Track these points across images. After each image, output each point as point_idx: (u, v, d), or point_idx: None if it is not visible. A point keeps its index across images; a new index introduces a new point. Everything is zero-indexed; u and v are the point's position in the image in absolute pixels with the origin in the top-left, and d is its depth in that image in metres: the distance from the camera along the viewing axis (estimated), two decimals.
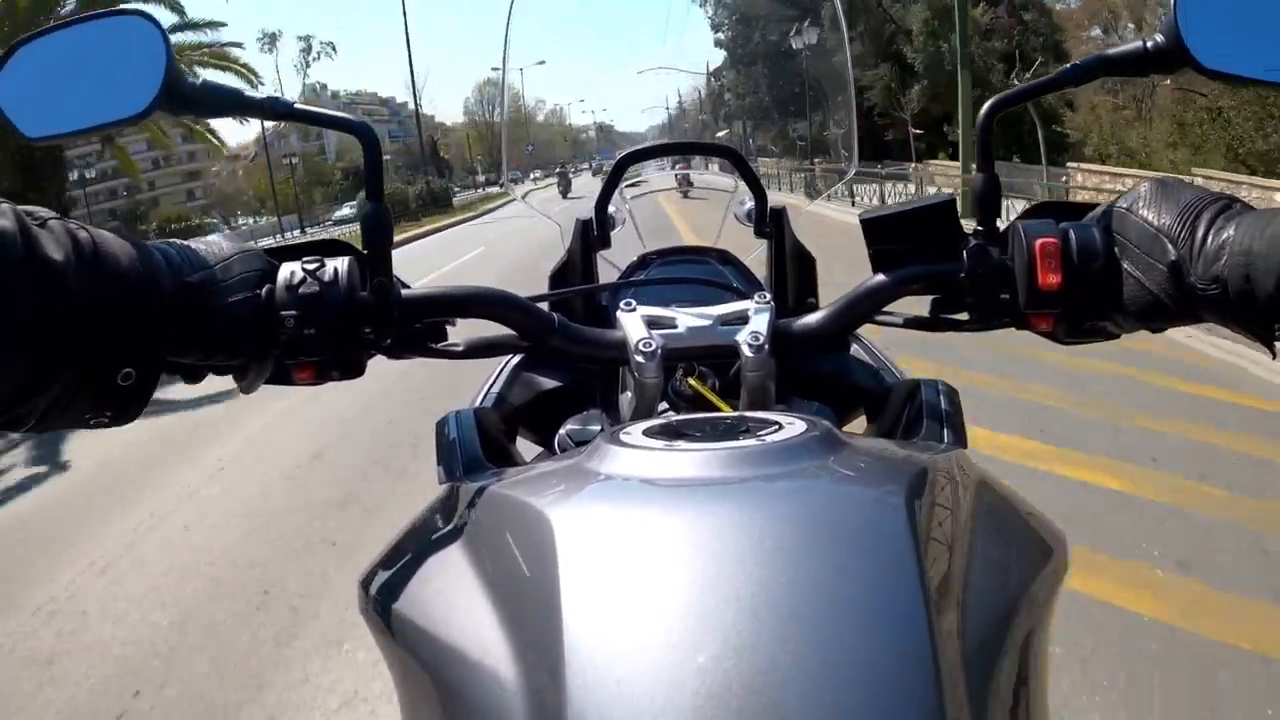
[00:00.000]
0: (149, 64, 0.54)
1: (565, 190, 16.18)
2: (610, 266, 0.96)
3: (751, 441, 0.42)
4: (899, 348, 0.86)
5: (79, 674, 2.32)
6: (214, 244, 0.53)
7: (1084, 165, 14.36)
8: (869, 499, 0.39)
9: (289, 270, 0.53)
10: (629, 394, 0.66)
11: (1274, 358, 0.50)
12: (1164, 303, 0.51)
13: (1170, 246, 0.50)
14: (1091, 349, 0.65)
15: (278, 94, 0.58)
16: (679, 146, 0.98)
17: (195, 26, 16.69)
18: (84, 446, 4.52)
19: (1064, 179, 13.62)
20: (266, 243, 0.66)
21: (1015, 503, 0.47)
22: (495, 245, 14.76)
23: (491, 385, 0.77)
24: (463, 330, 0.65)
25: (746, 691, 0.29)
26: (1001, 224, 0.61)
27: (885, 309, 0.64)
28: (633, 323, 0.63)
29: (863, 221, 0.63)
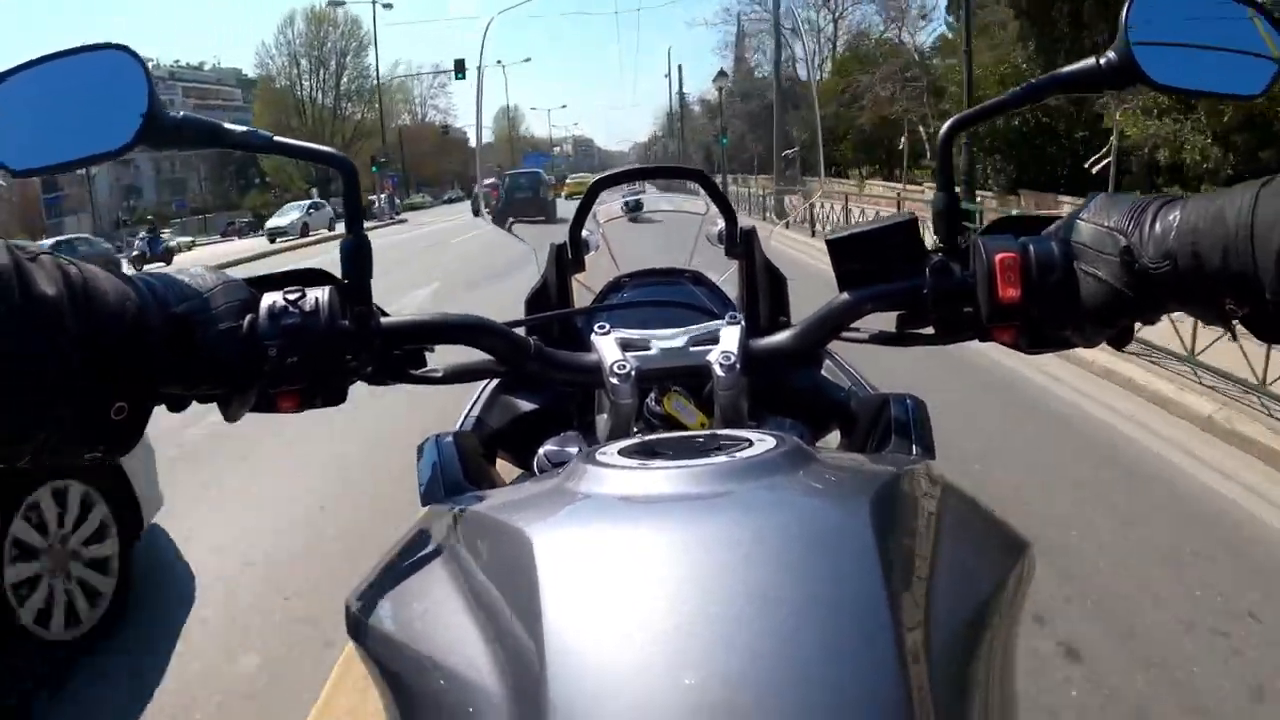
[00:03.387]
0: (130, 98, 0.55)
1: None
2: (585, 289, 0.97)
3: (723, 458, 0.43)
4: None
5: None
6: (197, 275, 0.54)
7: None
8: (838, 512, 0.41)
9: (271, 300, 0.54)
10: (605, 415, 0.67)
11: (1233, 338, 0.52)
12: (1120, 293, 0.53)
13: (1121, 237, 0.53)
14: None
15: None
16: (649, 171, 0.99)
17: None
18: None
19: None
20: None
21: (980, 511, 0.48)
22: None
23: (471, 409, 0.78)
24: (442, 356, 0.66)
25: (724, 708, 0.30)
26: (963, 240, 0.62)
27: (853, 325, 0.66)
28: (607, 346, 0.64)
29: (829, 242, 0.64)
